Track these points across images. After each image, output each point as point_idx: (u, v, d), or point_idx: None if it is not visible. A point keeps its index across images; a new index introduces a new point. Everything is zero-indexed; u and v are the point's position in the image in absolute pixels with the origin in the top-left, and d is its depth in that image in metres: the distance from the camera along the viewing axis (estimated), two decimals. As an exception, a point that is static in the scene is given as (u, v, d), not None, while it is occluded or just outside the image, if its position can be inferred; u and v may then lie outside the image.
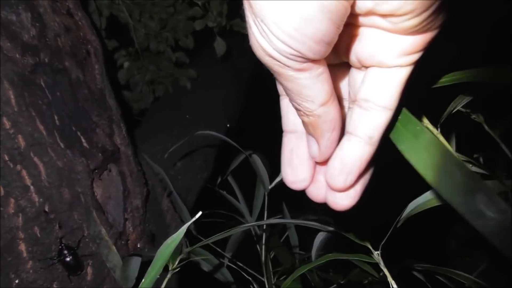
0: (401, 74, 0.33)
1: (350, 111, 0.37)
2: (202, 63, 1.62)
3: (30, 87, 0.68)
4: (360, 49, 0.34)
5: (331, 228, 0.56)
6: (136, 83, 1.52)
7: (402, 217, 0.47)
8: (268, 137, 0.80)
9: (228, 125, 1.50)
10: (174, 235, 0.36)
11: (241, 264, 0.98)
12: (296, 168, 0.39)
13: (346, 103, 0.41)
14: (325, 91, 0.33)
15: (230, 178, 1.05)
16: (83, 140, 0.75)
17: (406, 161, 0.34)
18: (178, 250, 0.55)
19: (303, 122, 0.35)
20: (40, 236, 0.69)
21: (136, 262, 0.67)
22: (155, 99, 1.57)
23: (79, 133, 0.74)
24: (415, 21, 0.29)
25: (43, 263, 0.69)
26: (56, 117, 0.71)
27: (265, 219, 0.92)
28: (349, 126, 0.36)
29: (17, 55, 0.67)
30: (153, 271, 0.38)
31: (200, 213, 0.36)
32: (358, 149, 0.35)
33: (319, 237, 0.59)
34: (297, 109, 0.34)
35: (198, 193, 1.27)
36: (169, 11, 1.40)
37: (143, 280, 0.44)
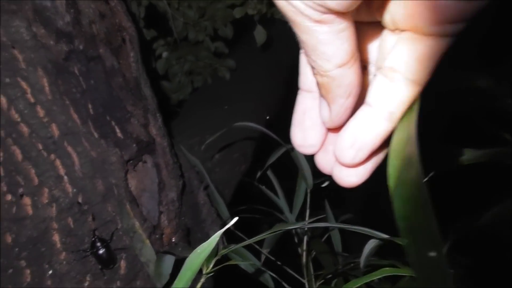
0: (438, 46, 0.28)
1: (374, 78, 0.32)
2: (241, 53, 1.57)
3: (64, 74, 0.66)
4: (397, 7, 0.28)
5: (385, 236, 0.49)
6: (174, 73, 1.50)
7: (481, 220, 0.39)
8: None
9: (267, 117, 1.45)
10: (206, 243, 0.31)
11: (279, 263, 0.93)
12: (306, 131, 0.35)
13: (373, 69, 0.35)
14: (345, 51, 0.28)
15: (269, 173, 1.00)
16: (117, 130, 0.72)
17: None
18: (213, 252, 0.51)
19: (317, 82, 0.31)
20: (73, 228, 0.67)
21: (169, 259, 0.63)
22: (194, 90, 1.55)
23: (113, 123, 0.72)
24: None
25: (76, 255, 0.67)
26: (90, 106, 0.69)
27: (307, 217, 0.86)
28: (369, 96, 0.31)
29: (51, 42, 0.66)
30: (184, 279, 0.34)
31: (236, 218, 0.32)
32: (375, 124, 0.30)
33: (370, 245, 0.53)
34: (311, 66, 0.30)
35: (236, 187, 1.23)
36: (208, -1, 1.36)
37: (175, 281, 0.40)
